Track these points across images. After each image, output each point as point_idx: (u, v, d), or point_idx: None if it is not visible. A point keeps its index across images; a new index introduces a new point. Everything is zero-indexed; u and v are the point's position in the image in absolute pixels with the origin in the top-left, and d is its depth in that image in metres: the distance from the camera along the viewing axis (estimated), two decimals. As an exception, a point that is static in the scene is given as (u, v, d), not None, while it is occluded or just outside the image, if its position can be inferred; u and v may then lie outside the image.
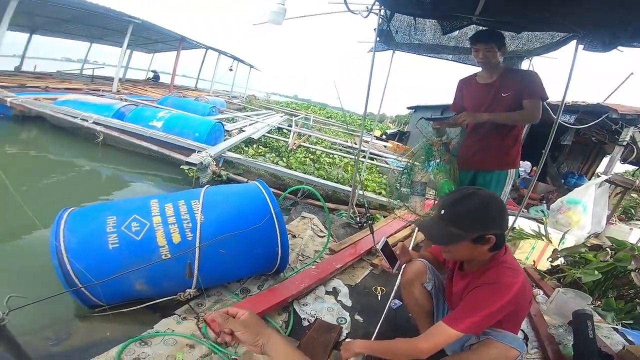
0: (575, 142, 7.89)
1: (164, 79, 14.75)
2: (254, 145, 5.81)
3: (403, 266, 1.63)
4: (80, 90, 7.32)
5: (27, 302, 1.39)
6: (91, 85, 8.63)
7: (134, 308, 1.62)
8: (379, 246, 1.54)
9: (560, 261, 3.22)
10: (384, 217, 3.58)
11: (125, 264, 1.56)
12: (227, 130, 6.03)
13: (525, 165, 7.73)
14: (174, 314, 1.69)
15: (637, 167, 8.67)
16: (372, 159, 6.90)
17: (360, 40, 3.74)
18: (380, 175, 5.93)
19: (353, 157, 6.43)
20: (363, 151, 5.12)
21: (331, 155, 6.38)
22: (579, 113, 6.22)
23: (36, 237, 2.17)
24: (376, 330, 1.78)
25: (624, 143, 5.81)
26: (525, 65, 3.09)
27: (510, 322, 1.25)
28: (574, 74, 2.23)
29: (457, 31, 2.65)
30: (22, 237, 2.32)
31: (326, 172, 4.90)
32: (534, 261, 3.38)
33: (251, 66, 18.58)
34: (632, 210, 7.93)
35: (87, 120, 4.56)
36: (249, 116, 9.17)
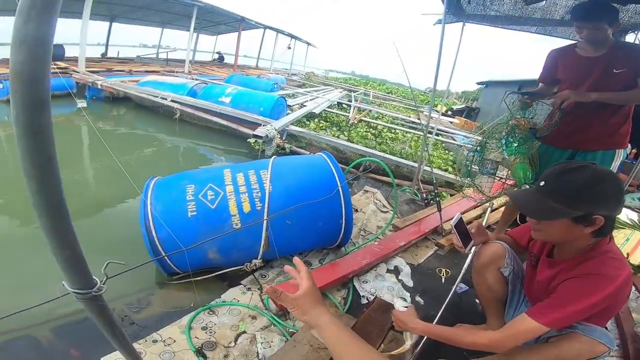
0: None
1: (228, 59, 15.46)
2: (315, 120, 5.84)
3: (476, 247, 1.48)
4: (157, 72, 8.01)
5: (123, 270, 1.59)
6: (166, 67, 9.39)
7: (206, 277, 1.69)
8: (452, 222, 1.39)
9: None
10: (451, 195, 3.37)
11: (201, 232, 1.65)
12: (289, 106, 6.13)
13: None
14: (240, 284, 1.76)
15: None
16: (438, 135, 6.50)
17: (424, 12, 3.44)
18: (447, 151, 5.56)
19: (416, 132, 6.12)
20: (430, 127, 4.81)
21: (393, 130, 6.14)
22: None
23: (126, 205, 2.43)
24: (438, 314, 1.68)
25: None
26: (629, 39, 2.63)
27: (600, 317, 1.09)
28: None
29: (544, 1, 2.28)
30: (114, 206, 2.60)
31: (388, 146, 4.74)
32: (627, 254, 2.92)
33: (308, 44, 18.67)
34: None
35: (166, 99, 4.98)
36: (308, 92, 9.19)
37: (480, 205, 3.01)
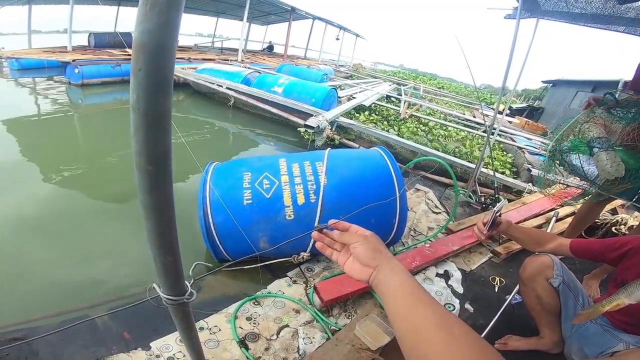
0: None
1: (277, 49, 15.69)
2: (365, 113, 5.73)
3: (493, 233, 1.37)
4: (213, 60, 8.34)
5: (208, 272, 1.60)
6: (221, 56, 9.76)
7: (254, 266, 1.68)
8: (496, 208, 1.32)
9: None
10: (509, 201, 3.13)
11: (255, 220, 1.66)
12: (338, 97, 6.07)
13: None
14: (287, 275, 1.76)
15: None
16: (498, 135, 6.08)
17: (490, 6, 3.17)
18: (504, 153, 5.18)
19: (471, 130, 5.76)
20: (481, 124, 4.52)
21: (445, 128, 5.84)
22: None
23: (184, 187, 2.54)
24: (490, 325, 1.61)
25: None
26: None
27: None
28: None
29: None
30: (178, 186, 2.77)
31: (441, 144, 4.51)
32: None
33: (357, 35, 18.36)
34: None
35: (221, 86, 5.17)
36: (357, 84, 9.04)
37: (543, 214, 2.77)
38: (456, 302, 1.80)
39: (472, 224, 2.44)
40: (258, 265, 1.70)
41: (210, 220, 1.65)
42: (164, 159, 0.40)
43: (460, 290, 1.90)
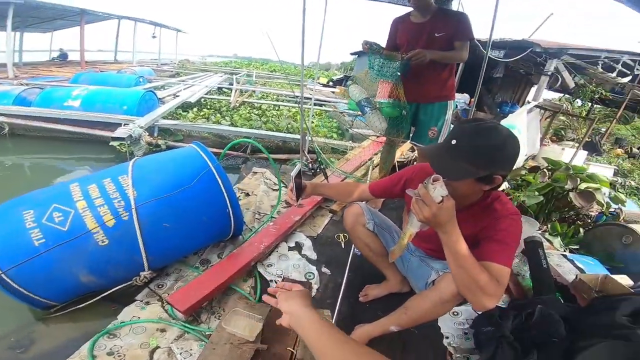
0: (506, 75, 9.09)
1: (74, 56, 12.92)
2: (194, 109, 5.36)
3: (302, 200, 1.50)
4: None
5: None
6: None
7: (89, 302, 1.49)
8: (292, 173, 1.36)
9: (505, 185, 3.38)
10: (338, 160, 3.55)
11: (60, 258, 1.39)
12: (160, 99, 5.47)
13: (464, 97, 8.24)
14: (136, 299, 1.58)
15: (562, 94, 9.56)
16: (320, 105, 6.72)
17: None
18: (331, 120, 5.82)
19: (299, 106, 6.20)
20: (308, 98, 4.93)
21: (278, 107, 6.10)
22: (507, 49, 6.96)
23: None
24: (344, 281, 1.74)
25: (549, 73, 6.57)
26: (454, 4, 3.01)
27: None
28: (499, 14, 2.30)
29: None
30: None
31: (274, 124, 4.69)
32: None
33: (178, 30, 17.16)
34: (562, 132, 8.87)
35: (-20, 114, 3.86)
36: (183, 81, 8.38)
37: (363, 165, 3.25)
38: (313, 269, 1.89)
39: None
40: (95, 299, 1.48)
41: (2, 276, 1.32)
42: None
43: (314, 256, 2.01)
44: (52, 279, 1.40)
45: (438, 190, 0.94)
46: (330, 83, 13.86)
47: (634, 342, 1.15)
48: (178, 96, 5.73)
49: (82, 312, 1.49)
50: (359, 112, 2.32)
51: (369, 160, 3.25)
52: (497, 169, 1.02)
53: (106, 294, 1.51)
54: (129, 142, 3.18)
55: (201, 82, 8.14)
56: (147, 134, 3.40)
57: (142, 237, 1.51)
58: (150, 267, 1.59)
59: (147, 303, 1.55)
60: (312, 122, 4.89)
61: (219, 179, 1.75)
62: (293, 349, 1.35)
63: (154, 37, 15.05)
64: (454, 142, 1.03)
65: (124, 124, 3.37)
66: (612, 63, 6.81)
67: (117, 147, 3.34)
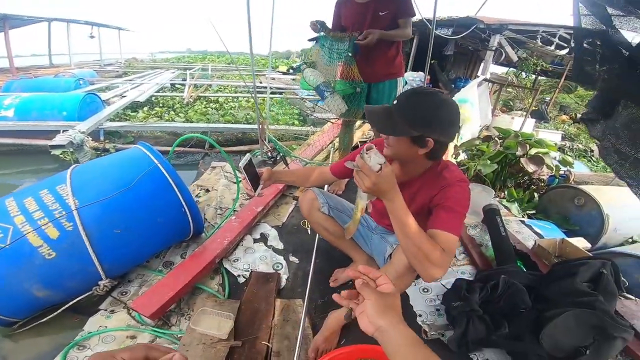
0: (457, 52, 9.57)
1: (4, 64, 11.75)
2: (144, 109, 5.06)
3: (262, 190, 1.42)
4: None
5: None
6: None
7: (51, 316, 1.44)
8: (240, 164, 1.31)
9: (462, 156, 3.50)
10: (300, 145, 3.50)
11: (5, 274, 1.33)
12: (105, 101, 5.10)
13: (419, 75, 8.42)
14: (100, 309, 1.52)
15: (508, 67, 10.13)
16: (281, 93, 6.60)
17: None
18: (292, 107, 5.73)
19: (260, 96, 6.05)
20: (266, 87, 4.81)
21: (236, 99, 5.91)
22: (454, 26, 7.13)
23: None
24: (311, 268, 1.73)
25: (493, 48, 6.91)
26: None
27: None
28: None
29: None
30: None
31: (233, 116, 4.54)
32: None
33: (120, 28, 16.15)
34: (511, 103, 9.41)
35: None
36: (130, 80, 7.87)
37: (325, 149, 3.23)
38: (281, 259, 1.86)
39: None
40: (56, 313, 1.43)
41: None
42: None
43: (280, 246, 1.98)
44: (4, 296, 1.35)
45: (374, 158, 0.96)
46: (291, 70, 13.71)
47: (598, 310, 1.19)
48: (125, 96, 5.36)
49: (49, 326, 1.44)
50: (315, 94, 2.27)
51: (330, 143, 3.23)
52: (430, 131, 1.04)
53: (67, 306, 1.45)
54: (71, 149, 2.93)
55: (151, 80, 7.68)
56: (91, 138, 3.16)
57: (92, 246, 1.44)
58: (109, 275, 1.52)
59: (113, 311, 1.50)
60: (272, 110, 4.79)
61: (168, 177, 1.66)
62: (268, 342, 1.34)
63: (91, 37, 14.22)
64: (394, 102, 1.08)
65: (63, 131, 3.10)
66: (549, 37, 7.27)
67: (60, 155, 3.08)
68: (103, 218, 1.48)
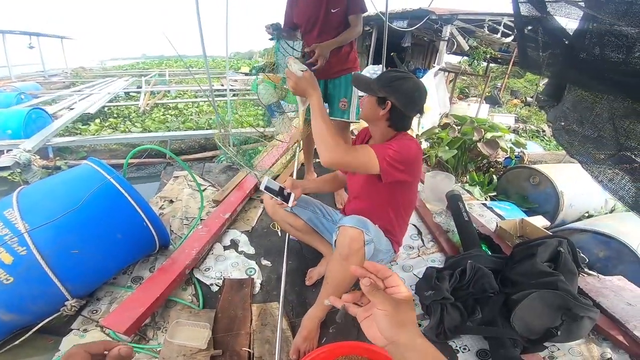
0: (414, 44, 9.90)
1: None
2: (97, 121, 4.77)
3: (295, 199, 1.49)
4: None
5: None
6: None
7: (22, 339, 1.40)
8: (262, 187, 1.40)
9: (424, 145, 3.62)
10: (266, 147, 3.46)
11: None
12: (52, 114, 4.75)
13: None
14: (72, 329, 1.46)
15: (462, 56, 10.59)
16: (239, 95, 6.48)
17: None
18: (256, 108, 5.65)
19: (224, 99, 5.92)
20: (230, 89, 4.70)
21: (197, 104, 5.73)
22: (408, 18, 7.36)
23: None
24: (284, 267, 1.73)
25: (446, 38, 7.22)
26: None
27: (411, 170, 1.31)
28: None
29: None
30: None
31: (194, 122, 4.40)
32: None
33: (62, 37, 15.08)
34: (467, 90, 9.85)
35: None
36: (78, 91, 7.39)
37: (289, 149, 3.22)
38: (253, 263, 1.84)
39: (235, 184, 2.53)
40: (26, 335, 1.39)
41: None
42: None
43: (252, 251, 1.95)
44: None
45: (294, 65, 1.25)
46: (253, 71, 13.51)
47: (561, 290, 1.23)
48: (73, 109, 5.02)
49: (23, 348, 1.40)
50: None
51: (295, 143, 3.23)
52: (390, 93, 1.27)
53: (36, 328, 1.42)
54: (18, 169, 2.71)
55: (102, 90, 7.25)
56: (39, 157, 2.93)
57: (51, 267, 1.39)
58: (75, 295, 1.50)
59: (85, 330, 1.46)
60: (236, 113, 4.69)
61: (123, 191, 1.59)
62: (249, 348, 1.33)
63: (31, 47, 13.26)
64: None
65: (7, 151, 2.86)
66: (495, 25, 7.66)
67: (8, 177, 2.85)
68: (57, 239, 1.42)
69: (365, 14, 2.20)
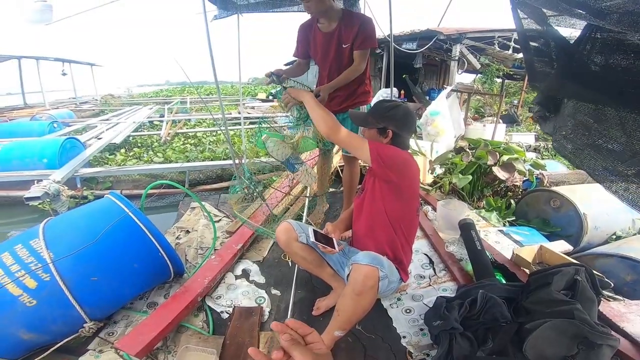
0: (427, 64, 10.00)
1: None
2: (122, 150, 5.05)
3: (341, 240, 1.63)
4: None
5: None
6: None
7: (41, 357, 1.47)
8: (310, 241, 1.50)
9: (438, 171, 3.52)
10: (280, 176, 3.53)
11: None
12: (84, 143, 5.05)
13: (394, 92, 8.55)
14: (88, 349, 1.54)
15: (475, 75, 10.54)
16: (261, 123, 6.64)
17: (198, 11, 3.31)
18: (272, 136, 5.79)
19: (239, 128, 6.11)
20: (247, 118, 4.87)
21: (215, 133, 5.95)
22: (417, 40, 7.41)
23: None
24: (291, 297, 1.76)
25: (456, 58, 7.22)
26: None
27: (401, 174, 1.43)
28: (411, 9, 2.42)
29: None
30: None
31: (212, 152, 4.57)
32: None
33: (91, 64, 16.07)
34: (482, 110, 9.69)
35: None
36: (105, 120, 7.84)
37: (298, 182, 3.25)
38: (263, 292, 1.88)
39: (249, 216, 2.58)
40: (46, 354, 1.47)
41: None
42: None
43: (262, 280, 1.99)
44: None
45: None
46: (270, 97, 13.81)
47: (577, 319, 1.19)
48: (101, 138, 5.34)
49: None
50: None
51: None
52: (390, 123, 1.47)
53: (55, 347, 1.49)
54: (47, 199, 2.90)
55: (128, 119, 7.66)
56: (67, 187, 3.13)
57: (71, 292, 1.50)
58: (93, 318, 1.59)
59: (101, 351, 1.53)
60: (252, 142, 4.83)
61: (140, 224, 1.70)
62: None
63: (64, 74, 13.86)
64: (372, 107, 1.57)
65: (37, 181, 3.07)
66: (505, 41, 7.62)
67: (39, 206, 3.05)
68: (78, 268, 1.53)
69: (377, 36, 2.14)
